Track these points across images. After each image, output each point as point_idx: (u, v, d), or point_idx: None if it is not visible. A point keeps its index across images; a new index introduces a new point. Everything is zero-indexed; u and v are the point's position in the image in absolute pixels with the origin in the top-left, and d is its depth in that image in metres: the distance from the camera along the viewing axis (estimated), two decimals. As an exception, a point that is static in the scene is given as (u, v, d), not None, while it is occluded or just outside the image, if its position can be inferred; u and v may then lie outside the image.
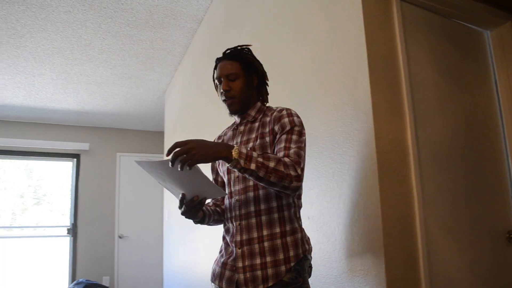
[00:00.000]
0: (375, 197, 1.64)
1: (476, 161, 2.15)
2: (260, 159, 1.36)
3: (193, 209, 1.46)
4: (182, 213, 1.48)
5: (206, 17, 3.94)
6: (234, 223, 1.56)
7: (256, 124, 1.64)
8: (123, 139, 7.38)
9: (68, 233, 6.66)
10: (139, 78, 5.27)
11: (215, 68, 1.70)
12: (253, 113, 1.68)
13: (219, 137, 1.84)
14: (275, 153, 1.52)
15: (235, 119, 1.74)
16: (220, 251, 1.65)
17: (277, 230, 1.51)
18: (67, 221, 6.77)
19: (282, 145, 1.50)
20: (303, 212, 2.10)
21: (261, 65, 1.73)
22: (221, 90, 1.62)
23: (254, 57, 1.72)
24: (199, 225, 1.66)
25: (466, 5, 2.25)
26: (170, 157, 1.27)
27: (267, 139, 1.57)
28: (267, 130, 1.59)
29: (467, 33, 2.39)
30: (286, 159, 1.41)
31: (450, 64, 2.21)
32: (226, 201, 1.63)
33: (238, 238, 1.53)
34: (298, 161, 1.44)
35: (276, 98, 2.46)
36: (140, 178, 7.12)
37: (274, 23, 2.58)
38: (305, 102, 2.17)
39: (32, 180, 6.89)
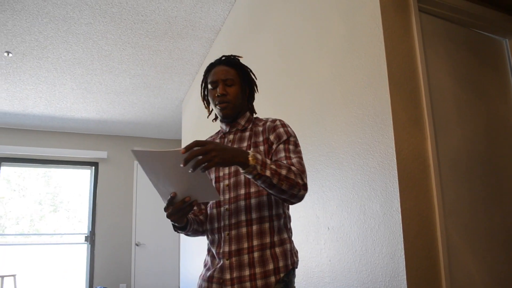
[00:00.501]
0: (395, 208, 1.65)
1: (495, 170, 2.14)
2: (273, 166, 1.34)
3: (182, 212, 1.36)
4: (169, 215, 1.37)
5: (224, 28, 3.99)
6: (223, 233, 1.50)
7: (247, 134, 1.62)
8: (141, 147, 7.47)
9: (85, 240, 6.74)
10: (158, 87, 5.35)
11: (207, 72, 1.67)
12: (242, 122, 1.66)
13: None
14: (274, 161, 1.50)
15: (222, 127, 1.71)
16: (206, 265, 1.59)
17: (267, 240, 1.47)
18: (85, 228, 6.86)
19: (282, 154, 1.49)
20: (323, 222, 2.11)
21: (254, 76, 1.73)
22: (218, 94, 1.58)
23: (249, 68, 1.72)
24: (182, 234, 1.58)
25: (484, 14, 2.25)
26: (177, 150, 1.18)
27: (261, 148, 1.55)
28: (260, 139, 1.57)
29: (486, 42, 2.38)
30: (294, 168, 1.40)
31: (469, 73, 2.21)
32: (213, 211, 1.57)
33: (227, 249, 1.47)
34: (303, 170, 1.44)
35: (298, 107, 2.48)
36: (157, 186, 7.17)
37: (294, 33, 2.61)
38: (326, 113, 2.19)
39: (50, 187, 7.00)
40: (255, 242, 1.47)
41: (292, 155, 1.49)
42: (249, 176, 1.32)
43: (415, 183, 1.70)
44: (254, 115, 1.74)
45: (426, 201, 1.71)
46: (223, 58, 1.67)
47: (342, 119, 2.04)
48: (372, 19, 1.86)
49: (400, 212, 1.63)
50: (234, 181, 1.55)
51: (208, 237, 1.60)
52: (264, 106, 2.77)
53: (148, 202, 7.19)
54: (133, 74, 4.91)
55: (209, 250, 1.60)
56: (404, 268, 1.58)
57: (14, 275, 5.76)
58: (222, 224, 1.52)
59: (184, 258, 5.41)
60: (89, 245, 6.71)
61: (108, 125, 6.76)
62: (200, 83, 1.72)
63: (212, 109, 1.72)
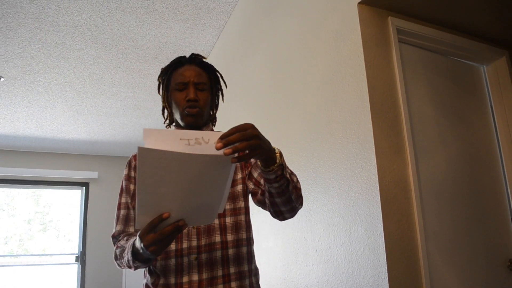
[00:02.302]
0: (379, 232, 1.73)
1: (476, 192, 2.24)
2: (289, 170, 1.19)
3: (170, 238, 1.02)
4: (153, 242, 1.01)
5: (213, 52, 4.09)
6: (188, 257, 1.27)
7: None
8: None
9: (76, 260, 6.72)
10: (148, 109, 5.42)
11: (173, 70, 1.44)
12: None
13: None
14: (256, 176, 1.36)
15: None
16: None
17: (245, 268, 1.34)
18: (75, 248, 6.84)
19: None
20: (311, 245, 2.18)
21: (225, 83, 1.60)
22: (189, 98, 1.35)
23: (220, 74, 1.55)
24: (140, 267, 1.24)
25: (462, 44, 2.37)
26: (203, 155, 0.91)
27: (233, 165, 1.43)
28: None
29: (464, 69, 2.50)
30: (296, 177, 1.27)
31: (449, 99, 2.32)
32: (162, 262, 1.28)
33: (196, 278, 1.25)
34: None
35: (286, 132, 2.57)
36: (148, 205, 7.20)
37: (282, 62, 2.71)
38: (313, 139, 2.28)
39: (39, 207, 6.99)
40: (232, 270, 1.29)
41: None
42: (271, 176, 1.10)
43: (397, 208, 1.79)
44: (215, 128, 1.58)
45: (408, 224, 1.80)
46: (193, 56, 1.46)
47: (328, 145, 2.13)
48: (355, 52, 1.96)
49: (383, 236, 1.71)
50: None
51: (156, 263, 1.29)
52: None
53: (139, 221, 7.19)
54: (124, 96, 4.99)
55: (154, 285, 1.29)
56: (388, 290, 1.66)
57: (4, 298, 5.72)
58: (187, 245, 1.28)
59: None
60: (80, 265, 6.68)
61: (98, 145, 6.80)
62: (158, 79, 1.48)
63: (168, 115, 1.49)
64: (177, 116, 1.41)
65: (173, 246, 1.27)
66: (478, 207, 2.21)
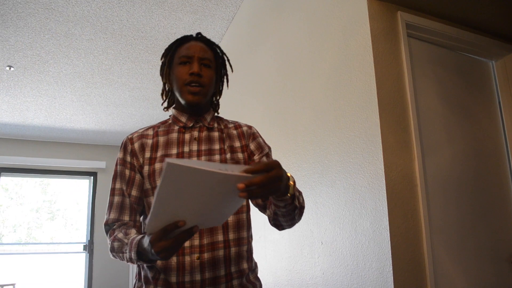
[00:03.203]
0: (384, 225, 1.75)
1: (482, 188, 2.24)
2: (297, 192, 1.18)
3: (182, 243, 0.98)
4: (166, 249, 0.96)
5: (222, 43, 4.10)
6: (190, 256, 1.21)
7: (216, 134, 1.37)
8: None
9: (84, 249, 6.80)
10: (156, 99, 5.44)
11: (178, 46, 1.37)
12: (208, 118, 1.40)
13: (141, 136, 1.37)
14: None
15: (180, 119, 1.38)
16: None
17: (245, 266, 1.31)
18: (83, 237, 6.92)
19: None
20: (317, 237, 2.20)
21: (231, 68, 1.53)
22: (193, 71, 1.28)
23: (227, 57, 1.47)
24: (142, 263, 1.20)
25: (471, 39, 2.37)
26: (232, 174, 0.87)
27: (240, 155, 1.35)
28: (238, 144, 1.37)
29: (473, 64, 2.50)
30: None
31: (457, 95, 2.32)
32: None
33: (198, 278, 1.20)
34: None
35: (294, 126, 2.59)
36: (155, 195, 7.28)
37: (291, 55, 2.72)
38: (320, 133, 2.29)
39: (47, 195, 7.08)
40: (233, 269, 1.26)
41: None
42: (280, 204, 1.11)
43: (403, 202, 1.81)
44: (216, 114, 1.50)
45: (413, 219, 1.82)
46: (200, 35, 1.40)
47: (335, 139, 2.14)
48: (363, 46, 1.97)
49: (388, 229, 1.73)
50: (207, 160, 1.33)
51: (157, 261, 1.22)
52: (262, 123, 2.87)
53: (146, 211, 7.26)
54: (133, 87, 5.01)
55: (154, 279, 1.24)
56: (392, 282, 1.68)
57: (13, 284, 5.82)
58: (189, 244, 1.22)
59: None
60: (88, 254, 6.77)
61: (106, 135, 6.85)
62: (162, 58, 1.41)
63: (168, 94, 1.44)
64: (178, 94, 1.33)
65: (174, 279, 1.20)
66: (483, 203, 2.22)
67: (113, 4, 3.43)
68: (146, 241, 1.02)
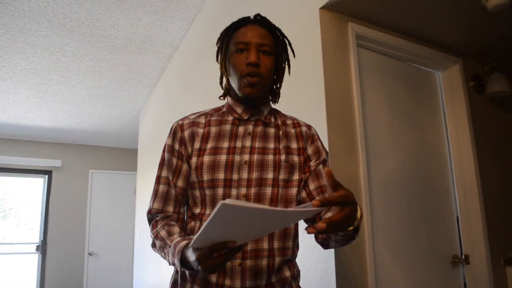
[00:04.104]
0: (330, 227, 1.82)
1: (425, 193, 2.36)
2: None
3: (230, 259, 0.91)
4: (214, 267, 0.90)
5: (182, 44, 4.11)
6: (232, 261, 1.13)
7: (272, 130, 1.27)
8: (96, 156, 7.43)
9: (37, 250, 6.63)
10: (115, 98, 5.38)
11: (234, 31, 1.27)
12: (265, 111, 1.30)
13: (193, 123, 1.28)
14: (313, 189, 1.22)
15: (236, 109, 1.28)
16: None
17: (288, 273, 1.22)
18: (36, 238, 6.74)
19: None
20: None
21: (293, 52, 1.38)
22: (250, 61, 1.17)
23: (288, 40, 1.34)
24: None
25: (418, 50, 2.49)
26: (292, 210, 0.83)
27: (296, 158, 1.24)
28: (295, 146, 1.27)
29: (420, 74, 2.62)
30: None
31: (404, 104, 2.43)
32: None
33: (239, 285, 1.12)
34: None
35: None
36: (112, 195, 7.17)
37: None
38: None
39: None
40: (273, 279, 1.16)
41: None
42: (340, 234, 1.02)
43: (348, 205, 1.88)
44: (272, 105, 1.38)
45: (357, 221, 1.90)
46: (259, 17, 1.28)
47: (287, 143, 2.20)
48: (315, 55, 2.04)
49: (333, 231, 1.80)
50: (259, 160, 1.20)
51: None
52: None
53: (103, 211, 7.16)
54: (90, 85, 4.94)
55: (191, 276, 1.17)
56: (335, 283, 1.75)
57: (-41, 286, 5.61)
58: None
59: (138, 270, 5.44)
60: (41, 255, 6.59)
61: (63, 133, 6.70)
62: (217, 43, 1.31)
63: (226, 84, 1.33)
64: (234, 85, 1.23)
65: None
66: (426, 206, 2.34)
67: (71, 1, 3.38)
68: (191, 255, 0.95)
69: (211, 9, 3.46)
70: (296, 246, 1.26)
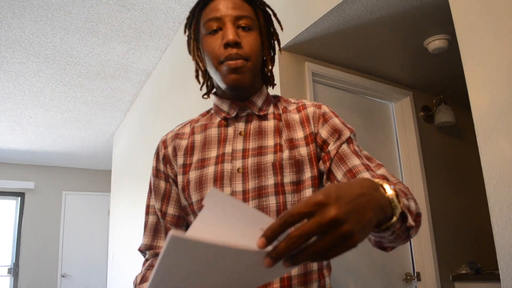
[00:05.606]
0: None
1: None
2: (406, 202, 0.74)
3: None
4: None
5: (155, 71, 4.28)
6: None
7: (270, 124, 0.99)
8: (69, 178, 7.45)
9: (8, 272, 6.58)
10: (89, 121, 5.48)
11: (202, 8, 0.99)
12: (259, 101, 1.02)
13: (176, 135, 1.07)
14: (341, 177, 0.90)
15: (222, 107, 1.03)
16: None
17: None
18: (8, 260, 6.69)
19: (357, 162, 0.90)
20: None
21: (280, 24, 1.08)
22: (227, 40, 0.90)
23: (272, 10, 1.05)
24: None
25: (371, 85, 2.72)
26: (248, 250, 0.53)
27: (303, 151, 0.94)
28: (300, 135, 0.97)
29: (374, 106, 2.85)
30: (406, 190, 0.83)
31: (360, 134, 2.63)
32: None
33: None
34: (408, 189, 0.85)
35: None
36: (86, 216, 7.19)
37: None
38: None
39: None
40: None
41: (372, 164, 0.91)
42: (385, 234, 0.67)
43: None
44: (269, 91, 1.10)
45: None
46: None
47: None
48: (274, 92, 2.23)
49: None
50: (255, 164, 0.93)
51: None
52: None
53: (76, 232, 7.17)
54: (64, 109, 5.04)
55: None
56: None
57: None
58: None
59: (111, 289, 5.48)
60: (13, 278, 6.55)
61: (36, 155, 6.73)
62: (185, 31, 1.04)
63: (204, 79, 1.10)
64: (214, 76, 0.98)
65: None
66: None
67: (47, 31, 3.51)
68: None
69: (182, 39, 3.64)
70: (326, 268, 0.95)
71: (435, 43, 2.29)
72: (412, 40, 2.35)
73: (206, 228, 0.60)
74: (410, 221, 0.69)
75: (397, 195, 0.62)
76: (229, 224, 0.60)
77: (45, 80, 4.31)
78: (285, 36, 2.21)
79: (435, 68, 2.71)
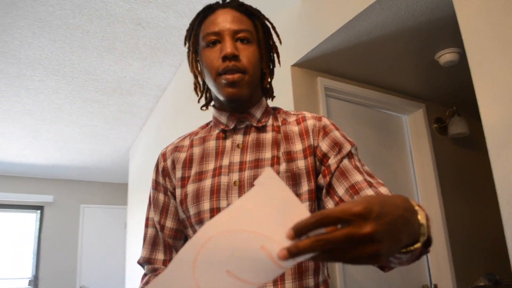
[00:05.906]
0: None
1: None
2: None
3: None
4: None
5: (170, 86, 4.35)
6: None
7: (268, 136, 1.00)
8: (87, 191, 7.56)
9: (29, 285, 6.68)
10: (106, 136, 5.58)
11: (201, 21, 1.02)
12: (258, 113, 1.03)
13: (175, 148, 1.08)
14: (343, 193, 0.90)
15: (220, 119, 1.05)
16: None
17: None
18: (28, 273, 6.80)
19: (359, 178, 0.90)
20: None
21: (279, 38, 1.11)
22: (225, 54, 0.92)
23: (271, 23, 1.07)
24: None
25: (384, 98, 2.74)
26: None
27: (301, 164, 0.95)
28: (299, 147, 0.97)
29: (388, 119, 2.86)
30: None
31: (373, 146, 2.66)
32: None
33: None
34: None
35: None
36: (103, 229, 7.28)
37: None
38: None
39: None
40: None
41: (374, 181, 0.92)
42: (403, 257, 0.65)
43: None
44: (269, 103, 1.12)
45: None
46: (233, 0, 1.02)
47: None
48: (286, 107, 2.27)
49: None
50: (251, 177, 0.93)
51: None
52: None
53: (94, 245, 7.25)
54: (82, 124, 5.15)
55: None
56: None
57: (-50, 324, 5.63)
58: None
59: (128, 302, 5.52)
60: (32, 290, 6.65)
61: (55, 169, 6.86)
62: (185, 43, 1.06)
63: (202, 90, 1.12)
64: (213, 89, 1.00)
65: None
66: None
67: (65, 49, 3.61)
68: None
69: (196, 56, 3.71)
70: (322, 284, 0.93)
71: (446, 56, 2.31)
72: (423, 54, 2.37)
73: (249, 204, 0.57)
74: (430, 247, 0.68)
75: (427, 219, 0.61)
76: (269, 206, 0.56)
77: (63, 97, 4.42)
78: (298, 52, 2.25)
79: (447, 80, 2.72)
